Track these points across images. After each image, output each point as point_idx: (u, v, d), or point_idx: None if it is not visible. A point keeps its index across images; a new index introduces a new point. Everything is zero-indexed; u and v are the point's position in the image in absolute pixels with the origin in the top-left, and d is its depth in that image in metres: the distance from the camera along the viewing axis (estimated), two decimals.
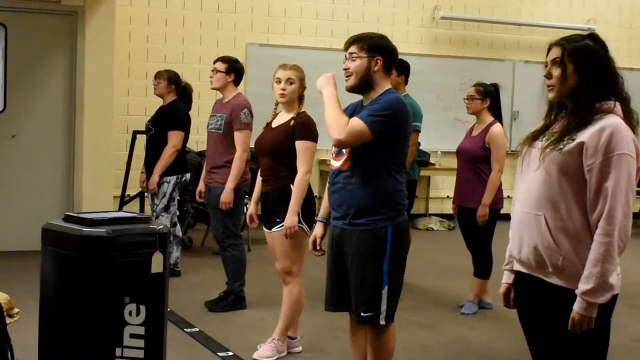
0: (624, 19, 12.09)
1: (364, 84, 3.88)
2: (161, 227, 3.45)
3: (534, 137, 3.18)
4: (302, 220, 4.91)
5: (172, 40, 10.14)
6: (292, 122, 4.97)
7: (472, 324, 6.18)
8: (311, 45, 10.57)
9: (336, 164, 3.95)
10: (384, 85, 3.92)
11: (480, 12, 11.51)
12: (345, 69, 3.90)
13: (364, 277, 3.88)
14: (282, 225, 4.91)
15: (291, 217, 4.86)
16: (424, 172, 10.59)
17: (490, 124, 6.24)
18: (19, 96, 8.04)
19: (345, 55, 3.93)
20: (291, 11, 10.67)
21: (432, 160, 10.99)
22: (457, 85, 11.26)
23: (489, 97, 6.29)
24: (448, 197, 11.38)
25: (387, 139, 3.80)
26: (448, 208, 11.33)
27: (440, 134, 10.88)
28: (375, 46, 3.89)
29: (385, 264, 3.86)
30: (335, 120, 3.75)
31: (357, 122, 3.75)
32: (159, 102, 7.24)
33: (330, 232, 4.07)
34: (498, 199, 6.28)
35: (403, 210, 3.94)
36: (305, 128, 4.95)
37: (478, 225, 6.24)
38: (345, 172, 3.89)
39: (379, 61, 3.88)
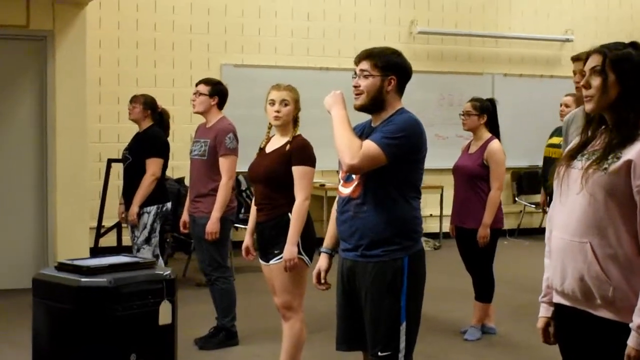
0: (600, 30, 11.95)
1: (375, 104, 3.59)
2: (168, 272, 3.08)
3: (571, 156, 2.90)
4: (301, 251, 4.59)
5: (143, 64, 9.81)
6: (287, 147, 4.65)
7: (479, 351, 5.89)
8: (287, 65, 10.30)
9: (345, 190, 3.64)
10: (396, 105, 3.64)
11: (458, 26, 11.33)
12: (355, 87, 3.59)
13: (380, 313, 3.57)
14: (281, 258, 4.58)
15: (290, 248, 4.53)
16: None
17: (488, 141, 5.99)
18: None
19: (355, 71, 3.61)
20: (266, 30, 10.40)
21: None
22: (437, 101, 11.06)
23: (485, 112, 6.05)
24: (431, 215, 11.13)
25: (401, 163, 3.50)
26: (432, 227, 11.10)
27: None
28: (390, 64, 3.59)
29: (403, 297, 3.56)
30: (348, 144, 3.44)
31: (371, 146, 3.43)
32: (132, 129, 6.88)
33: (340, 265, 3.74)
34: (498, 218, 6.03)
35: (419, 238, 3.64)
36: (303, 152, 4.63)
37: (479, 247, 5.97)
38: (356, 200, 3.58)
39: (392, 81, 3.59)
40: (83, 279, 3.00)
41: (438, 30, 11.14)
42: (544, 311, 3.04)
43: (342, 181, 3.69)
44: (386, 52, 3.63)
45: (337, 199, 3.77)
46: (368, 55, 3.59)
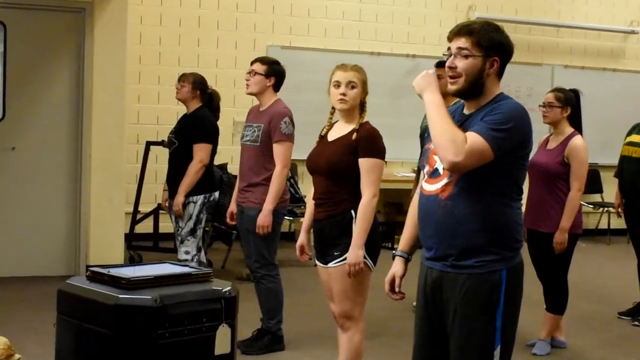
0: None
1: (473, 89, 3.04)
2: (228, 288, 2.49)
3: None
4: (365, 255, 4.05)
5: (186, 42, 9.31)
6: (354, 135, 4.10)
7: None
8: (337, 48, 9.70)
9: (431, 187, 3.08)
10: (495, 90, 3.09)
11: (518, 13, 10.71)
12: (450, 67, 3.02)
13: (472, 334, 3.02)
14: (342, 260, 4.06)
15: (356, 252, 3.99)
16: None
17: (570, 136, 5.45)
18: (20, 103, 7.17)
19: (449, 48, 3.05)
20: (315, 11, 9.84)
21: None
22: None
23: (569, 104, 5.50)
24: None
25: (506, 158, 2.94)
26: None
27: None
28: (494, 43, 3.03)
29: (499, 317, 3.01)
30: (451, 137, 2.86)
31: (477, 139, 2.86)
32: (173, 110, 6.40)
33: (424, 275, 3.19)
34: (577, 222, 5.48)
35: (520, 248, 3.08)
36: (372, 142, 4.09)
37: (554, 253, 5.40)
38: (445, 200, 3.02)
39: (495, 63, 3.04)
40: (122, 295, 2.40)
41: (497, 17, 10.43)
42: None
43: (426, 176, 3.14)
44: (489, 29, 3.05)
45: (418, 196, 3.22)
46: (468, 30, 3.02)
